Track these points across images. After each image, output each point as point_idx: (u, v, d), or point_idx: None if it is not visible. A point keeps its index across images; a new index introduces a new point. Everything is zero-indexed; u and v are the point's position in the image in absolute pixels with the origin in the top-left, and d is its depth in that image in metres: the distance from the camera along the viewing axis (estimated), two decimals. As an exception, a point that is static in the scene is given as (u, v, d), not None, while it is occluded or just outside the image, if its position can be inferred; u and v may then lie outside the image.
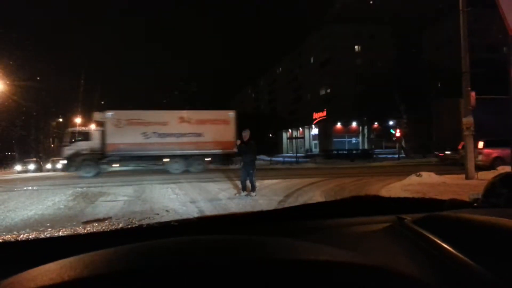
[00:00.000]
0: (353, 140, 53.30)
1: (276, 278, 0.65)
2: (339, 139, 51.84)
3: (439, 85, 40.13)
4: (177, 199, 9.53)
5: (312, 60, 63.22)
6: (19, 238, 1.11)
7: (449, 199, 1.52)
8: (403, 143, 37.97)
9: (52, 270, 0.68)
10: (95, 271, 0.67)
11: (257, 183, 12.60)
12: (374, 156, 36.00)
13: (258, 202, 8.61)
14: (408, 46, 49.50)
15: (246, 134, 9.59)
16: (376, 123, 49.73)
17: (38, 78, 36.16)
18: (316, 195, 9.56)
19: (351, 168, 22.80)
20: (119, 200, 9.42)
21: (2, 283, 0.69)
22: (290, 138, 60.25)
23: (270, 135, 65.54)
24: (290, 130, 62.87)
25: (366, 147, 48.47)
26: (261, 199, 9.13)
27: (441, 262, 0.82)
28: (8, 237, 1.13)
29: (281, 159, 34.91)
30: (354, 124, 52.71)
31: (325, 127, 52.68)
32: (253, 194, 9.47)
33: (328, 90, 58.52)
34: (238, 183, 13.03)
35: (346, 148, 46.11)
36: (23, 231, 1.24)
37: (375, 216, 1.29)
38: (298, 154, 35.15)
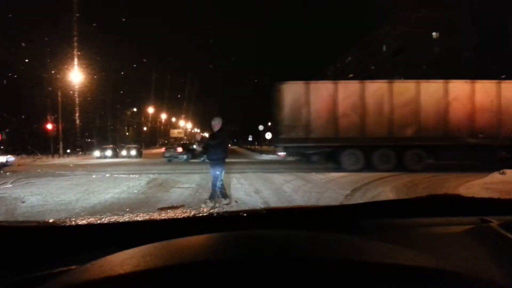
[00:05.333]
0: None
1: (347, 280, 0.63)
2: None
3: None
4: (242, 188, 9.62)
5: (384, 49, 60.45)
6: (101, 221, 1.18)
7: None
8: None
9: (136, 256, 0.71)
10: (178, 259, 0.70)
11: (322, 175, 12.39)
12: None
13: (323, 196, 8.37)
14: (492, 33, 45.21)
15: (216, 123, 7.18)
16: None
17: (116, 70, 38.84)
18: (385, 191, 9.07)
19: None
20: (188, 188, 9.73)
21: (90, 265, 0.72)
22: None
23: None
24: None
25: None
26: (327, 192, 8.88)
27: None
28: (91, 219, 1.20)
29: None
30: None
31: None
32: (209, 203, 6.86)
33: (402, 79, 55.61)
34: (304, 174, 12.91)
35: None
36: (105, 215, 1.32)
37: (454, 217, 1.22)
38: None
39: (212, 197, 7.04)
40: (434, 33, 53.53)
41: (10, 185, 10.45)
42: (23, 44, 30.98)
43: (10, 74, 33.31)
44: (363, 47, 67.60)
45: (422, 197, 1.49)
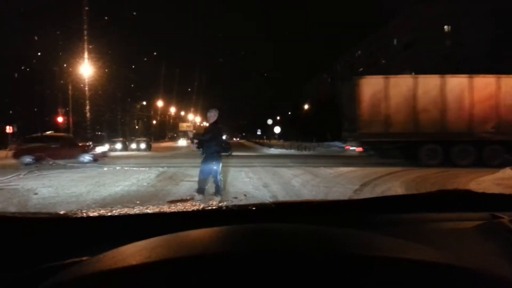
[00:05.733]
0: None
1: (356, 275, 0.63)
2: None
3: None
4: (250, 182, 9.64)
5: (395, 42, 59.76)
6: (112, 214, 1.20)
7: None
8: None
9: (147, 247, 0.72)
10: (189, 251, 0.70)
11: (331, 170, 12.36)
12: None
13: (332, 190, 8.36)
14: (508, 25, 44.29)
15: (212, 115, 7.06)
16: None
17: (126, 64, 39.01)
18: (395, 186, 9.02)
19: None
20: (196, 181, 9.78)
21: (102, 256, 0.73)
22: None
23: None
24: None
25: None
26: (335, 187, 8.86)
27: None
28: (102, 211, 1.22)
29: (357, 146, 33.72)
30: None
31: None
32: (216, 198, 6.85)
33: (412, 74, 54.98)
34: (312, 169, 12.89)
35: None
36: (116, 207, 1.33)
37: (465, 212, 1.21)
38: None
39: (217, 191, 6.96)
40: (446, 27, 52.76)
41: (23, 177, 10.62)
42: (36, 38, 31.26)
43: (22, 68, 33.68)
44: (373, 41, 66.92)
45: (432, 192, 1.48)
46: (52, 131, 19.68)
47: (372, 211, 1.26)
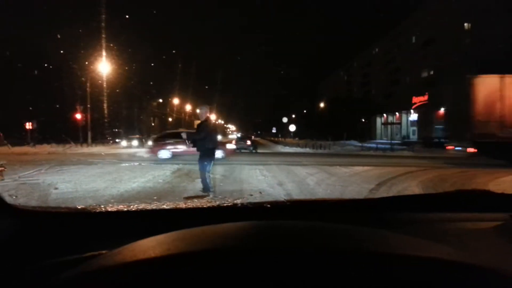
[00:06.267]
0: (459, 127, 48.60)
1: (371, 272, 0.63)
2: (441, 126, 47.74)
3: None
4: (265, 180, 9.64)
5: (413, 40, 58.79)
6: (129, 209, 1.23)
7: None
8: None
9: (166, 241, 0.74)
10: (207, 245, 0.72)
11: (347, 169, 12.27)
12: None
13: (347, 189, 8.30)
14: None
15: (203, 112, 7.06)
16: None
17: (143, 61, 39.42)
18: (412, 186, 8.89)
19: (454, 158, 20.87)
20: (213, 178, 9.79)
21: (121, 249, 0.74)
22: (385, 123, 57.29)
23: (363, 120, 63.07)
24: (385, 115, 59.72)
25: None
26: (351, 186, 8.79)
27: None
28: (121, 206, 1.26)
29: (373, 145, 33.45)
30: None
31: (426, 112, 48.91)
32: (206, 194, 6.81)
33: (431, 72, 54.00)
34: (328, 168, 12.82)
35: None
36: (133, 203, 1.36)
37: (483, 212, 1.20)
38: (393, 141, 33.30)
39: (206, 189, 6.93)
40: (465, 24, 51.64)
41: (44, 172, 10.85)
42: (56, 35, 31.86)
43: (45, 65, 34.37)
44: (391, 38, 65.99)
45: (450, 192, 1.48)
46: (183, 128, 19.76)
47: (388, 210, 1.25)
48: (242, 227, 0.87)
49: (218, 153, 16.87)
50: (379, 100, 65.90)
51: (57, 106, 37.60)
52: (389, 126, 54.08)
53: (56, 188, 7.63)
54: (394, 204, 1.34)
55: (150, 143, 19.38)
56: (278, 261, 0.65)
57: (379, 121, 60.78)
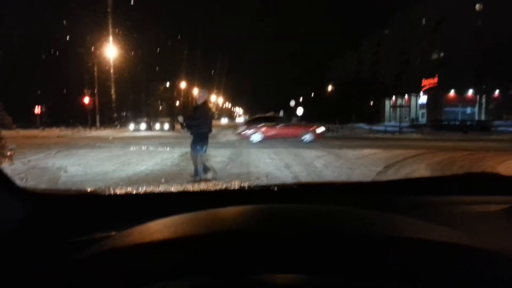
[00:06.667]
0: (468, 110, 48.06)
1: (379, 255, 0.63)
2: (451, 109, 47.23)
3: None
4: (272, 163, 9.65)
5: (424, 21, 57.60)
6: (138, 192, 1.24)
7: None
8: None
9: (174, 224, 0.74)
10: (214, 228, 0.73)
11: (355, 152, 12.23)
12: (493, 128, 32.02)
13: (355, 172, 8.27)
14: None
15: (202, 95, 7.05)
16: (497, 91, 43.97)
17: (149, 45, 39.26)
18: (420, 168, 8.84)
19: (464, 141, 20.67)
20: (219, 162, 9.87)
21: (130, 230, 0.76)
22: (394, 106, 56.86)
23: (372, 103, 62.51)
24: (394, 97, 59.12)
25: (483, 118, 43.40)
26: (358, 168, 8.76)
27: None
28: (129, 189, 1.26)
29: (382, 128, 33.22)
30: (470, 92, 47.30)
31: (435, 95, 48.37)
32: (197, 178, 6.80)
33: (441, 54, 53.06)
34: (335, 150, 12.78)
35: (459, 118, 41.73)
36: (142, 185, 1.36)
37: (492, 196, 1.19)
38: (402, 124, 33.05)
39: (197, 173, 6.87)
40: (477, 5, 50.40)
41: (53, 156, 10.97)
42: (63, 20, 31.78)
43: (53, 51, 34.40)
44: (402, 19, 64.70)
45: (458, 174, 1.46)
46: (272, 112, 20.12)
47: (396, 193, 1.24)
48: (249, 210, 0.87)
49: (307, 137, 17.32)
50: (388, 83, 65.18)
51: (65, 90, 37.77)
52: (398, 109, 53.71)
53: (65, 171, 7.72)
54: (402, 187, 1.33)
55: (241, 127, 19.74)
56: (284, 244, 0.65)
57: (388, 104, 60.25)
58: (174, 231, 0.70)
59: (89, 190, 1.30)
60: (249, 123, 19.18)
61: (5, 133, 10.37)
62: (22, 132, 23.50)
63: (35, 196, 1.07)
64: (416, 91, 52.79)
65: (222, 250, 0.65)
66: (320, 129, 18.61)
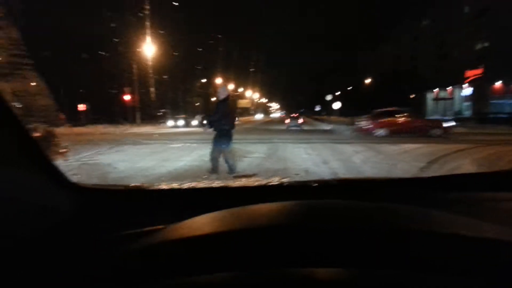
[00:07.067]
0: (516, 102, 45.37)
1: (420, 250, 0.62)
2: (497, 101, 44.76)
3: None
4: (309, 159, 9.57)
5: (466, 10, 54.82)
6: (181, 187, 1.29)
7: None
8: None
9: (219, 218, 0.77)
10: (257, 223, 0.74)
11: (395, 146, 11.89)
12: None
13: (396, 167, 8.04)
14: None
15: (221, 92, 6.98)
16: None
17: (187, 43, 39.93)
18: (465, 164, 8.46)
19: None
20: (257, 157, 9.90)
21: (177, 225, 0.78)
22: (436, 99, 54.66)
23: (411, 96, 60.43)
24: (435, 90, 56.83)
25: (533, 110, 40.86)
26: (399, 164, 8.51)
27: None
28: (173, 185, 1.32)
29: (423, 122, 31.98)
30: (518, 83, 44.61)
31: (481, 86, 45.99)
32: (230, 176, 6.60)
33: (486, 44, 50.34)
34: (375, 145, 12.48)
35: (507, 111, 39.47)
36: (185, 181, 1.40)
37: None
38: (445, 117, 31.75)
39: (231, 170, 6.82)
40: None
41: (102, 152, 11.37)
42: (103, 19, 32.92)
43: (95, 50, 35.75)
44: (442, 8, 61.89)
45: (506, 170, 1.43)
46: (396, 107, 19.95)
47: (440, 190, 1.20)
48: (291, 206, 0.87)
49: (436, 131, 16.97)
50: (428, 75, 62.68)
51: (107, 88, 39.18)
52: (440, 102, 51.59)
53: (115, 168, 8.00)
54: (447, 183, 1.29)
55: (363, 122, 19.79)
56: (328, 239, 0.66)
57: (429, 96, 58.03)
58: (220, 225, 0.73)
59: (134, 184, 1.36)
60: (373, 117, 18.86)
61: (59, 130, 10.80)
62: (71, 129, 24.65)
63: (86, 191, 1.13)
64: (459, 82, 50.48)
65: (265, 244, 0.67)
66: (450, 123, 18.08)
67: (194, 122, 34.98)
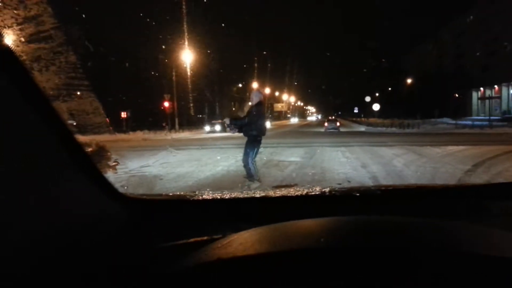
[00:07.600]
0: None
1: (484, 277, 0.58)
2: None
3: None
4: (347, 163, 9.37)
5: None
6: (223, 197, 1.32)
7: None
8: None
9: (269, 235, 0.79)
10: (309, 243, 0.74)
11: (439, 149, 11.41)
12: None
13: (439, 171, 7.70)
14: None
15: (255, 96, 6.76)
16: None
17: (224, 48, 40.49)
18: (514, 167, 7.96)
19: None
20: (294, 162, 9.82)
21: (228, 240, 0.79)
22: (482, 98, 52.05)
23: (456, 95, 57.93)
24: (482, 89, 54.12)
25: None
26: (443, 167, 8.14)
27: None
28: (216, 194, 1.34)
29: (469, 122, 30.70)
30: None
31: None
32: (253, 184, 6.32)
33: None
34: (417, 148, 12.05)
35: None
36: (226, 191, 1.42)
37: None
38: (492, 117, 30.16)
39: (250, 176, 6.58)
40: None
41: (151, 165, 11.42)
42: (141, 28, 33.97)
43: (134, 58, 37.05)
44: (489, 3, 58.88)
45: None
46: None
47: (490, 198, 1.13)
48: (339, 223, 0.86)
49: None
50: (474, 73, 59.80)
51: (147, 95, 40.41)
52: (487, 101, 48.97)
53: (161, 179, 8.02)
54: (496, 192, 1.21)
55: None
56: (378, 262, 0.64)
57: (475, 95, 55.34)
58: (273, 243, 0.74)
59: (178, 193, 1.40)
60: None
61: (107, 137, 11.01)
62: (115, 136, 25.58)
63: (135, 201, 1.17)
64: (507, 80, 47.80)
65: (318, 265, 0.65)
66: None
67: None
